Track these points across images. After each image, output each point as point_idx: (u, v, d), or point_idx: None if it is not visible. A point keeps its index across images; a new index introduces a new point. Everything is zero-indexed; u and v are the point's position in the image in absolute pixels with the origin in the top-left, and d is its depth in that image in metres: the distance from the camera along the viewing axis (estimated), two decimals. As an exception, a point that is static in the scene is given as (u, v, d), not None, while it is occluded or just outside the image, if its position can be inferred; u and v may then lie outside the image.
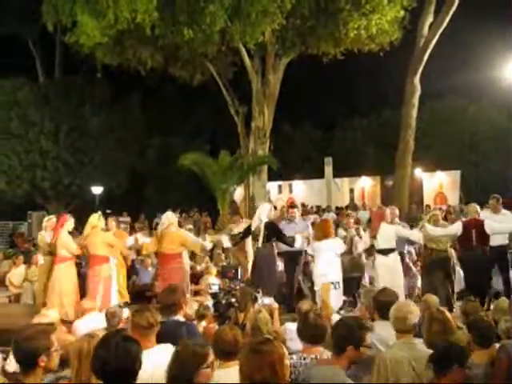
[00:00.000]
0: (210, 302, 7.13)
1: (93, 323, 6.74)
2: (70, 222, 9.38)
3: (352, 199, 24.27)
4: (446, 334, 4.27)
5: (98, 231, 9.27)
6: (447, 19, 18.56)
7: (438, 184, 22.93)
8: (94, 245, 9.13)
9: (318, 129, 33.14)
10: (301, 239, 9.27)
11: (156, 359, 3.92)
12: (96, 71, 18.71)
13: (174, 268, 9.13)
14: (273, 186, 24.45)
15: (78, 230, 11.46)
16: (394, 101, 23.31)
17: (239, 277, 6.15)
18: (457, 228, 9.09)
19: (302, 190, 25.61)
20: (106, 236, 9.42)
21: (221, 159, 17.69)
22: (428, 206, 18.59)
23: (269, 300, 6.86)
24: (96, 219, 9.39)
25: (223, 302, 5.54)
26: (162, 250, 9.31)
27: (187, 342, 3.52)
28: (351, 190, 24.94)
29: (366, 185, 24.92)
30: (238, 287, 5.90)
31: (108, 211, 27.12)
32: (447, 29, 18.79)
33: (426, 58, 19.13)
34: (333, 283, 8.49)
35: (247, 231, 9.34)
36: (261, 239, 8.84)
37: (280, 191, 25.80)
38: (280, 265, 9.92)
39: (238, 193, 20.32)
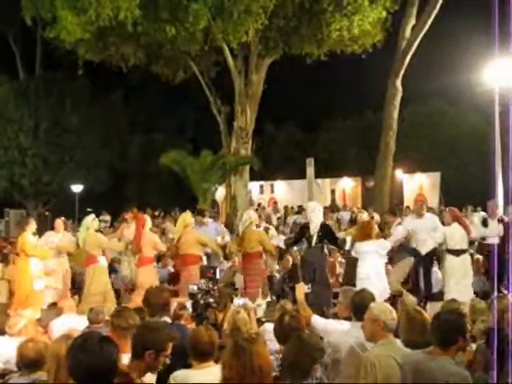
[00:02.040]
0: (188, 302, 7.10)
1: (70, 323, 6.65)
2: (148, 221, 9.45)
3: (333, 200, 24.32)
4: (424, 333, 4.27)
5: (190, 230, 9.21)
6: (429, 22, 18.67)
7: (418, 185, 23.06)
8: (186, 244, 9.04)
9: (301, 129, 33.20)
10: None
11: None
12: (77, 67, 18.53)
13: (256, 268, 9.14)
14: (254, 186, 24.42)
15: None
16: (376, 102, 23.40)
17: (218, 277, 6.11)
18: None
19: (283, 190, 25.61)
20: (199, 235, 9.35)
21: (202, 158, 17.64)
22: (408, 207, 18.66)
23: (244, 300, 6.82)
24: (189, 217, 9.39)
25: (201, 302, 5.49)
26: (244, 249, 9.26)
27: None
28: (332, 191, 24.98)
29: (347, 186, 24.99)
30: (216, 287, 5.85)
31: (88, 210, 26.93)
32: (429, 32, 18.91)
33: (407, 60, 19.23)
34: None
35: (300, 234, 9.14)
36: (314, 239, 8.71)
37: (262, 191, 25.77)
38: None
39: (220, 192, 20.26)
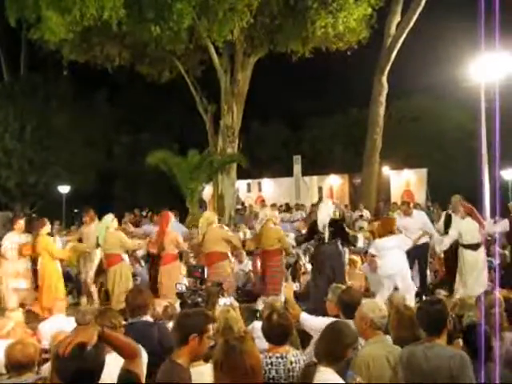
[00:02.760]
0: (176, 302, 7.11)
1: (58, 324, 6.63)
2: (172, 219, 9.52)
3: (321, 197, 24.34)
4: (413, 328, 4.30)
5: (214, 227, 9.16)
6: (414, 18, 18.80)
7: (405, 182, 23.14)
8: (211, 241, 8.97)
9: (287, 127, 33.28)
10: None
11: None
12: (61, 68, 18.44)
13: (277, 265, 9.08)
14: (242, 185, 24.41)
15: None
16: (362, 99, 23.48)
17: (205, 276, 6.12)
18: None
19: (271, 188, 25.62)
20: (223, 232, 9.30)
21: (189, 158, 17.60)
22: (395, 203, 18.75)
23: (229, 299, 6.83)
24: (212, 215, 9.41)
25: (189, 301, 5.49)
26: (263, 247, 9.22)
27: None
28: (320, 189, 25.01)
29: (335, 183, 25.05)
30: (204, 286, 5.85)
31: (75, 211, 26.82)
32: (414, 27, 19.02)
33: (393, 56, 19.34)
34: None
35: (311, 232, 9.04)
36: (326, 236, 8.61)
37: (249, 189, 25.76)
38: None
39: (207, 191, 20.24)
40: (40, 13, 14.84)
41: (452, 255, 9.69)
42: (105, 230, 9.24)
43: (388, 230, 8.73)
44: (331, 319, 4.97)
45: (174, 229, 10.55)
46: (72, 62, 18.21)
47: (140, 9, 14.89)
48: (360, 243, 10.02)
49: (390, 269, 8.42)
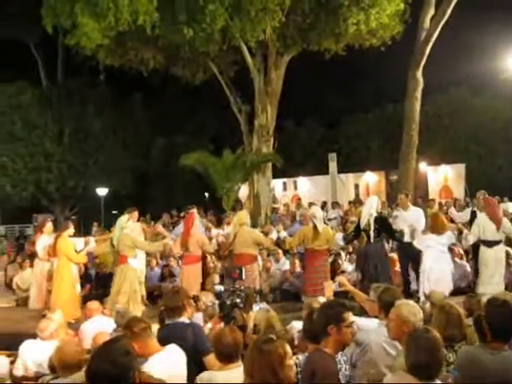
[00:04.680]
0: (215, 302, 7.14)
1: (99, 325, 6.75)
2: (198, 219, 9.60)
3: (357, 195, 24.21)
4: (461, 327, 4.25)
5: (246, 229, 9.13)
6: (449, 11, 18.47)
7: (443, 177, 22.81)
8: (242, 243, 8.96)
9: (322, 125, 33.13)
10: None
11: (168, 362, 4.00)
12: (97, 73, 18.73)
13: (322, 265, 8.99)
14: (277, 183, 24.39)
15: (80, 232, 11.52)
16: (396, 95, 23.25)
17: (243, 277, 6.13)
18: None
19: (306, 186, 25.53)
20: (254, 234, 9.31)
21: (224, 158, 17.67)
22: (433, 199, 18.51)
23: (263, 304, 6.83)
24: (244, 216, 9.37)
25: (228, 302, 5.53)
26: (312, 247, 9.02)
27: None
28: (356, 186, 24.85)
29: (371, 180, 24.83)
30: (242, 288, 5.88)
31: (113, 212, 27.23)
32: (449, 21, 18.70)
33: (428, 51, 19.06)
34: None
35: (358, 228, 8.92)
36: (372, 233, 8.53)
37: (285, 188, 25.73)
38: None
39: (243, 191, 20.30)
40: (76, 19, 15.06)
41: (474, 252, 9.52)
42: (119, 231, 9.31)
43: (443, 226, 8.59)
44: (373, 319, 4.95)
45: (199, 228, 10.59)
46: (107, 66, 18.45)
47: (173, 12, 14.99)
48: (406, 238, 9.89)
49: (427, 265, 8.34)
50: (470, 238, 9.37)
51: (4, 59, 27.42)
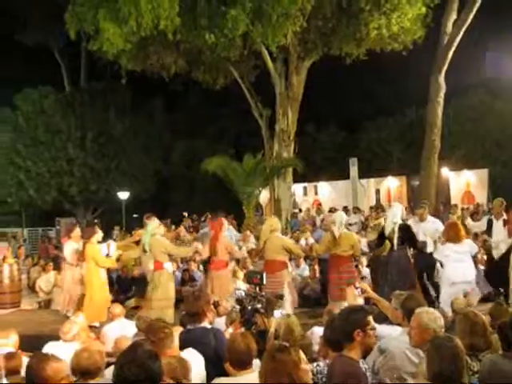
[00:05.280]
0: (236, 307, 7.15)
1: (121, 329, 6.80)
2: (227, 225, 9.60)
3: (378, 200, 24.10)
4: (486, 336, 4.20)
5: (277, 235, 9.08)
6: (471, 16, 18.34)
7: (465, 183, 22.60)
8: (273, 249, 8.92)
9: (343, 129, 33.01)
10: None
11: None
12: (119, 77, 18.89)
13: (346, 271, 8.86)
14: (298, 188, 24.38)
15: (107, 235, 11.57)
16: (418, 99, 23.11)
17: (264, 282, 6.12)
18: None
19: (327, 191, 25.48)
20: (284, 240, 9.27)
21: (245, 162, 17.69)
22: (455, 205, 18.33)
23: (284, 311, 6.81)
24: (275, 222, 9.33)
25: (249, 307, 5.53)
26: (336, 252, 8.89)
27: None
28: (377, 191, 24.74)
29: (392, 185, 24.71)
30: (263, 293, 5.88)
31: (134, 216, 27.41)
32: (471, 25, 18.56)
33: (450, 55, 18.93)
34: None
35: (382, 236, 8.79)
36: (395, 241, 8.42)
37: (305, 193, 25.71)
38: None
39: (264, 196, 20.31)
40: (98, 25, 15.24)
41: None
42: (150, 236, 9.34)
43: (462, 235, 8.40)
44: (395, 327, 4.91)
45: (227, 235, 10.62)
46: (129, 71, 18.62)
47: (194, 17, 15.09)
48: (429, 249, 9.74)
49: (458, 276, 8.13)
50: (503, 247, 9.16)
51: (28, 64, 27.80)
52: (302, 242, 11.85)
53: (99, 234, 9.65)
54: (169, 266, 9.19)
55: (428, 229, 9.53)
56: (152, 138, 30.19)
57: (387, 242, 8.77)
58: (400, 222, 8.59)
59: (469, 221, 11.48)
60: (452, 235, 8.42)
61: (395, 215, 8.64)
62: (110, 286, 10.83)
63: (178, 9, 14.34)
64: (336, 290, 8.82)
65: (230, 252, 9.36)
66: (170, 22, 14.47)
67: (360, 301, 8.09)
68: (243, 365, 3.89)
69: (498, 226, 9.25)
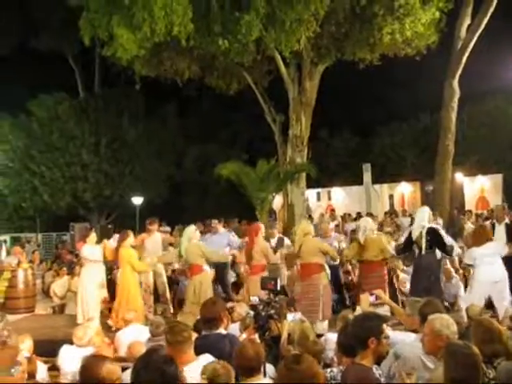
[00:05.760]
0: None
1: (135, 334, 6.81)
2: (262, 229, 9.62)
3: (392, 205, 24.01)
4: (501, 342, 4.15)
5: (311, 238, 9.11)
6: (485, 20, 18.25)
7: (480, 188, 22.45)
8: (308, 252, 8.92)
9: (356, 135, 32.91)
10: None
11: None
12: (133, 83, 18.99)
13: (378, 276, 8.88)
14: (311, 194, 24.32)
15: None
16: (432, 105, 22.99)
17: (278, 288, 6.09)
18: None
19: (340, 196, 25.42)
20: (319, 243, 9.29)
21: (258, 168, 17.67)
22: (469, 211, 18.21)
23: (298, 315, 6.79)
24: (307, 225, 9.37)
25: (263, 313, 5.51)
26: (366, 258, 8.94)
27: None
28: (391, 196, 24.65)
29: (406, 191, 24.60)
30: (277, 299, 5.85)
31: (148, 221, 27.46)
32: (485, 29, 18.47)
33: (464, 60, 18.84)
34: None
35: (409, 240, 8.70)
36: (424, 246, 8.34)
37: (319, 198, 25.65)
38: None
39: (277, 201, 20.28)
40: (112, 31, 15.33)
41: None
42: (187, 241, 9.40)
43: (485, 237, 8.30)
44: (410, 334, 4.87)
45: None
46: (143, 76, 18.71)
47: (208, 23, 15.13)
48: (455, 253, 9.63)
49: (488, 277, 8.02)
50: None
51: (42, 71, 28.03)
52: (336, 245, 11.81)
53: (131, 238, 9.69)
54: (208, 269, 9.30)
55: None
56: (165, 144, 30.33)
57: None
58: (428, 225, 8.48)
59: (470, 225, 11.50)
60: (475, 239, 8.40)
61: (422, 219, 8.54)
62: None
63: (191, 15, 14.39)
64: (366, 284, 8.90)
65: (266, 255, 9.34)
66: (183, 28, 14.52)
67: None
68: (252, 371, 3.86)
69: (499, 230, 9.27)
